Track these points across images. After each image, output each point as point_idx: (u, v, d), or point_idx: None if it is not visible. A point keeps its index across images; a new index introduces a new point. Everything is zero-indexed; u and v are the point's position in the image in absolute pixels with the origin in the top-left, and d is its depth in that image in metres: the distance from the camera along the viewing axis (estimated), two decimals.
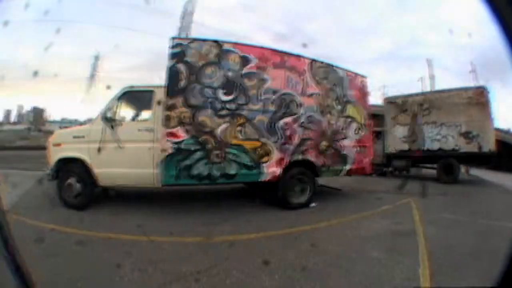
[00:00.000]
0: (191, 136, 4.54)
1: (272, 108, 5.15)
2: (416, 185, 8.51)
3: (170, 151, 4.41)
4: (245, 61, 5.00)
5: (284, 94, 5.28)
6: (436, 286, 2.45)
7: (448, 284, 2.46)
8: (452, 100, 9.44)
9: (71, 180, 4.56)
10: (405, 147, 10.27)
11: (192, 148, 4.54)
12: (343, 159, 5.99)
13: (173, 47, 4.59)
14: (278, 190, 5.12)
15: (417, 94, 10.90)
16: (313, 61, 5.75)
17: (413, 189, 7.86)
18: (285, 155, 5.21)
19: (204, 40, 4.88)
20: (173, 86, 4.53)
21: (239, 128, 4.87)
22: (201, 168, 4.56)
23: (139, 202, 5.29)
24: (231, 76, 4.88)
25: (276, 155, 5.11)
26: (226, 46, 4.93)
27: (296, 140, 5.35)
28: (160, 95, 4.65)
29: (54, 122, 35.17)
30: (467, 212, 5.30)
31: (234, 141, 4.81)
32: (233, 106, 4.86)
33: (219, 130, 4.71)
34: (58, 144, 4.79)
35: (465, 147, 9.13)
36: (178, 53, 4.60)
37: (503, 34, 0.90)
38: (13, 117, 47.14)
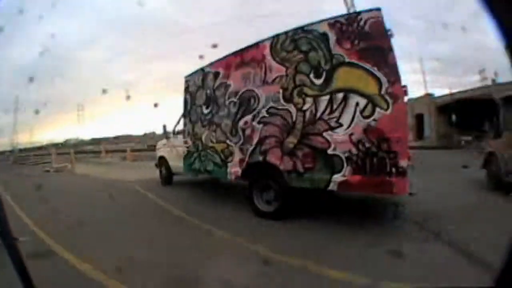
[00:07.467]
0: (193, 142, 6.31)
1: (234, 110, 5.15)
2: None
3: (184, 153, 6.58)
4: (216, 76, 5.59)
5: (243, 92, 4.98)
6: (437, 286, 2.47)
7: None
8: None
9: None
10: None
11: (192, 150, 6.37)
12: (329, 163, 3.93)
13: (184, 83, 6.47)
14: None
15: None
16: (274, 38, 4.57)
17: None
18: (245, 156, 4.97)
19: (197, 70, 6.11)
20: (184, 110, 6.49)
21: (212, 133, 5.66)
22: (196, 164, 6.26)
23: None
24: (209, 92, 5.78)
25: (237, 156, 5.14)
26: (206, 69, 5.83)
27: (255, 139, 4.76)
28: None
29: None
30: None
31: (210, 144, 5.71)
32: (209, 116, 5.75)
33: (203, 137, 5.92)
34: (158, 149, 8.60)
35: None
36: (186, 87, 6.46)
37: (502, 35, 0.84)
38: None
